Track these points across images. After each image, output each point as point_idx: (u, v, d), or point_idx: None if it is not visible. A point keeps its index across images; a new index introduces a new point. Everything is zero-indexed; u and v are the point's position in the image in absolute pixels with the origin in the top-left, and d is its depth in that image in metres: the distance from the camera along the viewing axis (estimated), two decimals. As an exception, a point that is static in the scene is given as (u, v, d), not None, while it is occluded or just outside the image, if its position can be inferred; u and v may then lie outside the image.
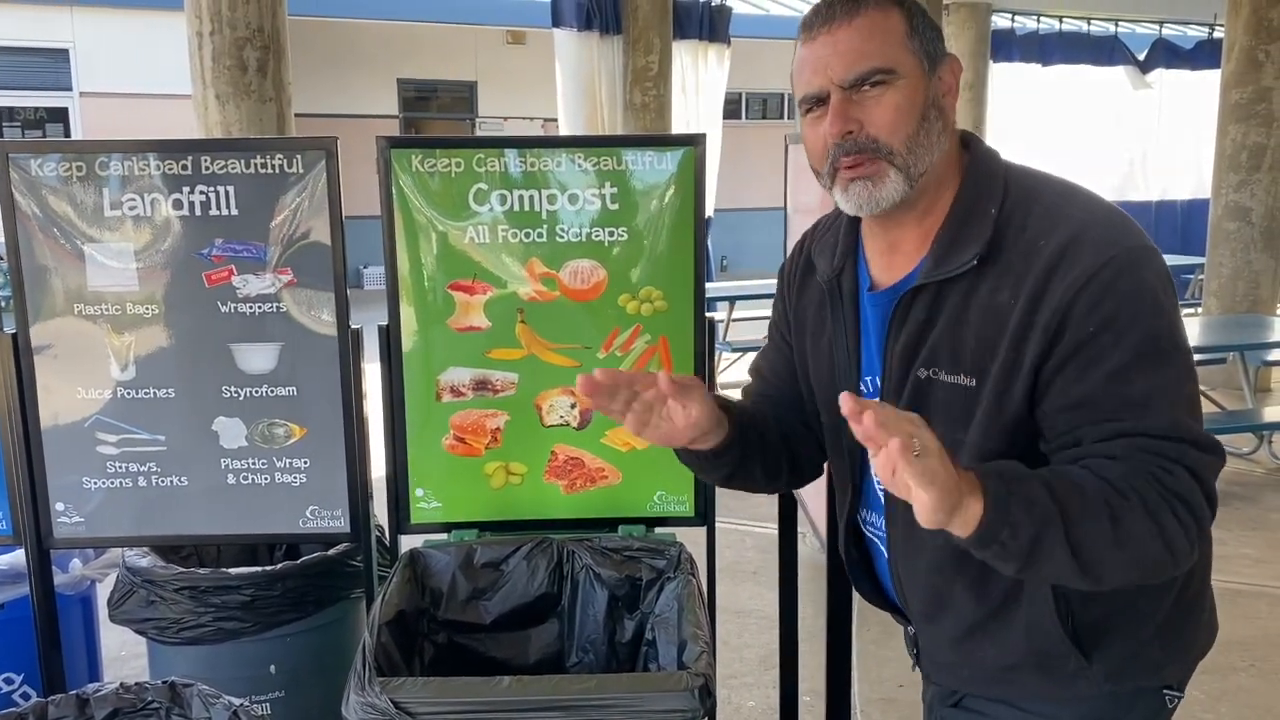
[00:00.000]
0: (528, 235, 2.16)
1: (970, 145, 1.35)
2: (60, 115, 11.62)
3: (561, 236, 2.16)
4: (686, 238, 2.17)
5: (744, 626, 3.79)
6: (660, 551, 2.01)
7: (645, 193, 2.15)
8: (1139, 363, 1.16)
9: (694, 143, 2.15)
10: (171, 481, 2.23)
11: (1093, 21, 11.43)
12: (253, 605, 2.34)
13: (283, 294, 2.16)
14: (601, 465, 2.25)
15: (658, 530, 2.23)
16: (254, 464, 2.22)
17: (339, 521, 2.25)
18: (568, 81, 7.99)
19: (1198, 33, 12.23)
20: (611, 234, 2.16)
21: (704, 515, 2.27)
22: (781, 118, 16.55)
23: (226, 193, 2.12)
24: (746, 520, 4.82)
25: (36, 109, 11.64)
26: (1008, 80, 11.02)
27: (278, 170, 2.12)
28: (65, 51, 11.48)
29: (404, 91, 14.54)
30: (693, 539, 2.16)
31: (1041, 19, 11.28)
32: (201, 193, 2.12)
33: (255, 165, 2.11)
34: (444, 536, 2.20)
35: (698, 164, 2.15)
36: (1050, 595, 1.29)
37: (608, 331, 2.19)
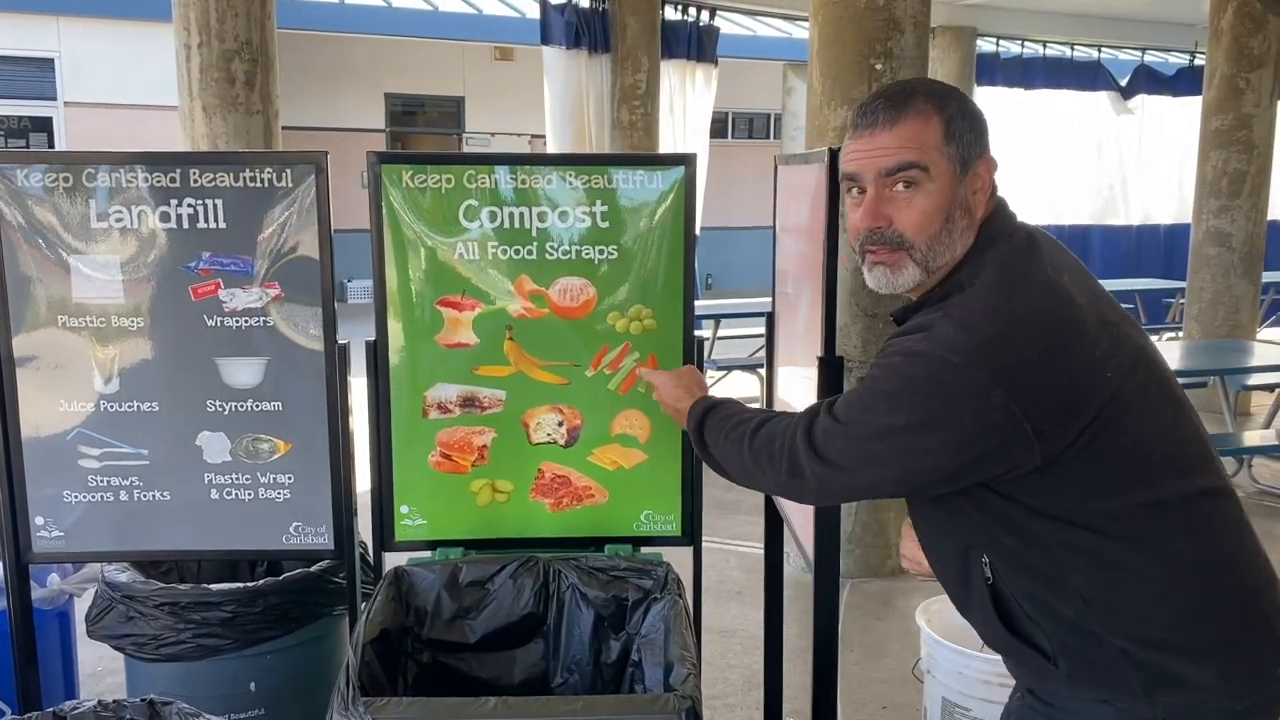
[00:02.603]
0: (517, 252, 2.15)
1: (985, 223, 1.44)
2: (44, 125, 11.49)
3: (551, 254, 2.15)
4: (676, 257, 2.17)
5: (727, 647, 3.77)
6: (647, 572, 2.00)
7: (636, 211, 2.15)
8: (850, 404, 1.40)
9: (686, 163, 2.16)
10: (154, 496, 2.21)
11: (1076, 47, 11.51)
12: (233, 622, 2.31)
13: (269, 308, 2.15)
14: (588, 484, 2.23)
15: (644, 550, 2.21)
16: (238, 479, 2.20)
17: (323, 538, 2.23)
18: (556, 99, 7.95)
19: (1179, 60, 12.35)
20: (601, 252, 2.16)
21: (691, 535, 2.26)
22: (767, 137, 16.60)
23: (214, 206, 2.10)
24: (730, 540, 4.81)
25: (20, 118, 11.53)
26: (992, 104, 11.10)
27: (267, 184, 2.10)
28: (50, 61, 11.34)
29: (391, 106, 14.51)
30: (677, 558, 2.16)
31: (1026, 44, 11.34)
32: (189, 205, 2.10)
33: (244, 179, 2.10)
34: (428, 554, 2.18)
35: (689, 184, 2.15)
36: (985, 588, 1.42)
37: (596, 349, 2.19)
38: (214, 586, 2.34)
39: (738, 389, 7.58)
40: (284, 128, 5.66)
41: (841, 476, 1.40)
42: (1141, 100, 11.80)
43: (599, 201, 2.15)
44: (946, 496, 1.42)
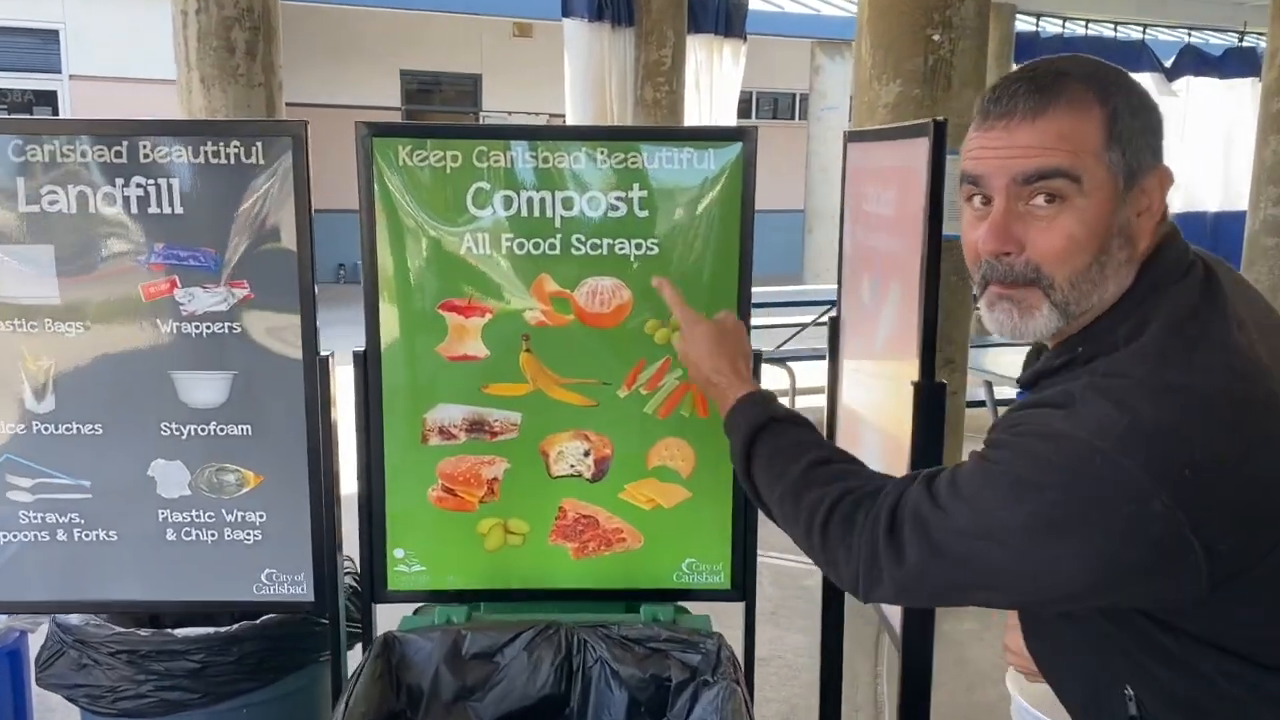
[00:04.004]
0: (536, 246, 1.86)
1: (1150, 258, 1.12)
2: (49, 98, 11.56)
3: (578, 249, 1.86)
4: (730, 254, 1.88)
5: (763, 678, 3.43)
6: (694, 644, 1.66)
7: (680, 197, 1.86)
8: (957, 485, 1.10)
9: (745, 138, 1.85)
10: (98, 536, 1.96)
11: (1119, 26, 11.26)
12: (203, 673, 2.06)
13: (237, 311, 1.88)
14: (619, 525, 1.95)
15: (686, 605, 1.92)
16: (198, 517, 1.95)
17: (300, 588, 1.97)
18: (577, 75, 7.81)
19: (1225, 40, 12.07)
20: (638, 247, 1.87)
21: (743, 589, 1.94)
22: (793, 118, 16.38)
23: (169, 186, 1.83)
24: (760, 550, 4.46)
25: (24, 91, 11.64)
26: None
27: (233, 160, 1.82)
28: (55, 32, 11.38)
29: (406, 83, 14.52)
30: (720, 611, 1.82)
31: (1067, 23, 11.11)
32: (139, 185, 1.83)
33: (205, 154, 1.81)
34: (428, 617, 1.86)
35: (747, 164, 1.86)
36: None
37: (631, 365, 1.89)
38: (180, 632, 2.07)
39: (765, 383, 7.25)
40: (293, 104, 5.58)
41: (930, 581, 1.12)
42: (1187, 82, 11.52)
43: (635, 185, 1.85)
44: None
